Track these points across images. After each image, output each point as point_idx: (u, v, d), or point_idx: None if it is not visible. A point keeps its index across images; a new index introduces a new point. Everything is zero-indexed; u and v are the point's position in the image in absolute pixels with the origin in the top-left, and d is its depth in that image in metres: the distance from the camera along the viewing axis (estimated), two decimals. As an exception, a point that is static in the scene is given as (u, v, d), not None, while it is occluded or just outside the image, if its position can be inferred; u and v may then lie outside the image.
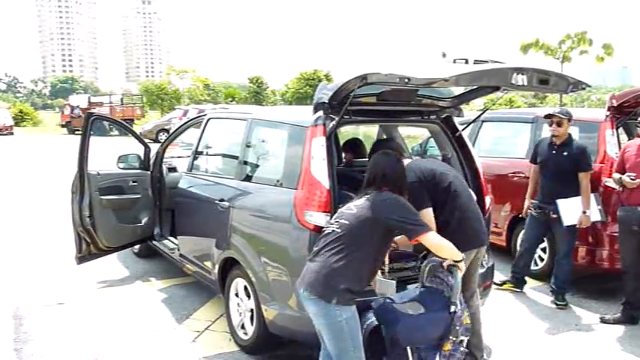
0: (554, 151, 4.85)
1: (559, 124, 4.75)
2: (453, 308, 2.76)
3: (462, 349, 2.81)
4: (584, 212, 4.73)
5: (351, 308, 2.73)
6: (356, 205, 2.83)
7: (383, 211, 2.76)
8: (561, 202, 4.75)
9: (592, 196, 4.80)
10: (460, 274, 2.84)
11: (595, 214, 4.82)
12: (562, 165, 4.78)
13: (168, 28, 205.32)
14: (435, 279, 2.97)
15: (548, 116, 4.86)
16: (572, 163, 4.75)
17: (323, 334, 2.80)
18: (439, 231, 3.16)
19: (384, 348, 3.01)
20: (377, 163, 3.02)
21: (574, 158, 4.74)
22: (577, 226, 4.77)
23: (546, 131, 5.59)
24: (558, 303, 4.94)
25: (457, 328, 2.75)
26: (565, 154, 4.78)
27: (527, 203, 5.20)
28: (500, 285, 5.27)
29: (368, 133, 7.46)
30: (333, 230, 2.79)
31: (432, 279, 2.99)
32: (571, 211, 4.74)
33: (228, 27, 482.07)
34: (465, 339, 2.86)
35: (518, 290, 5.27)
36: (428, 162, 3.72)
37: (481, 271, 3.79)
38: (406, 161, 3.43)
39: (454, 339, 2.75)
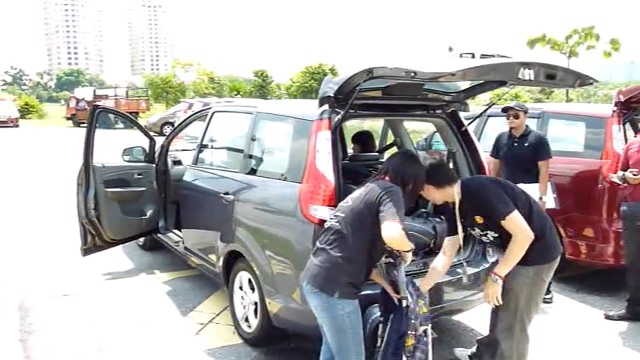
0: (515, 143, 4.97)
1: (516, 117, 4.90)
2: (404, 303, 2.71)
3: (425, 339, 2.75)
4: (541, 198, 4.77)
5: (354, 302, 2.73)
6: (352, 198, 2.83)
7: (374, 193, 2.73)
8: (521, 187, 4.73)
9: (548, 184, 4.87)
10: (403, 267, 2.77)
11: (550, 201, 4.87)
12: (523, 155, 4.88)
13: (173, 21, 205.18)
14: (389, 275, 2.93)
15: (506, 109, 4.97)
16: (533, 153, 4.85)
17: (324, 327, 2.80)
18: (534, 241, 2.98)
19: None
20: (388, 160, 3.05)
21: (534, 148, 4.85)
22: None
23: (552, 126, 5.55)
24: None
25: (413, 321, 2.70)
26: (526, 144, 4.90)
27: None
28: None
29: (373, 127, 7.45)
30: (332, 225, 2.80)
31: (387, 275, 2.94)
32: None
33: (234, 20, 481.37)
34: (428, 327, 2.78)
35: None
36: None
37: None
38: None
39: (414, 332, 2.71)
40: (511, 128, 5.01)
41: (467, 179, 3.28)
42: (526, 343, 3.26)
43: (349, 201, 2.82)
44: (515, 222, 2.95)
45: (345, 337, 2.73)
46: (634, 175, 4.29)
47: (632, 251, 4.53)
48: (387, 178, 2.91)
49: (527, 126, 5.01)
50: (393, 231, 2.57)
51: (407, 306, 2.71)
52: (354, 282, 2.73)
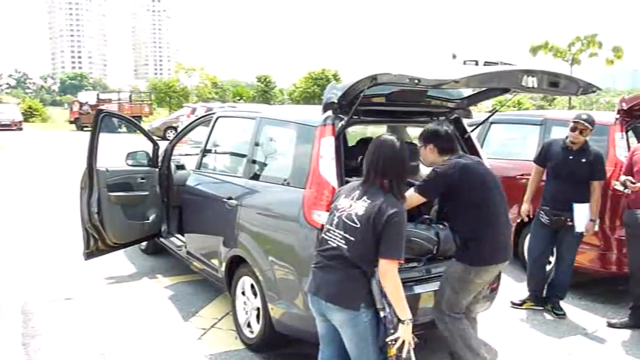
0: (570, 157, 4.61)
1: (582, 132, 4.52)
2: (382, 314, 2.69)
3: (405, 347, 2.74)
4: (592, 220, 4.64)
5: (373, 309, 2.73)
6: (357, 217, 2.71)
7: (381, 215, 2.66)
8: (577, 207, 4.57)
9: (586, 206, 4.65)
10: (374, 280, 2.73)
11: (581, 224, 4.65)
12: (579, 172, 4.57)
13: (177, 26, 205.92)
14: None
15: (575, 122, 4.53)
16: (589, 171, 4.58)
17: (346, 338, 2.76)
18: (470, 240, 3.17)
19: None
20: (375, 149, 2.92)
21: (592, 166, 4.57)
22: (584, 234, 4.67)
23: (555, 134, 5.50)
24: (558, 313, 4.80)
25: (392, 331, 2.67)
26: (583, 160, 4.57)
27: (527, 207, 4.95)
28: (520, 305, 4.97)
29: (376, 133, 7.45)
30: (339, 246, 2.73)
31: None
32: (582, 217, 4.61)
33: (237, 25, 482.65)
34: None
35: (539, 308, 4.95)
36: (478, 165, 3.41)
37: None
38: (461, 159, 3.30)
39: (393, 342, 2.70)
40: (571, 142, 4.61)
41: (465, 161, 3.30)
42: (463, 326, 3.31)
43: (357, 222, 2.70)
44: (409, 197, 3.08)
45: (367, 345, 2.72)
46: (632, 182, 4.28)
47: (635, 259, 4.52)
48: (385, 182, 2.78)
49: (586, 140, 4.62)
50: (389, 272, 2.64)
51: (385, 316, 2.68)
52: (371, 289, 2.73)
